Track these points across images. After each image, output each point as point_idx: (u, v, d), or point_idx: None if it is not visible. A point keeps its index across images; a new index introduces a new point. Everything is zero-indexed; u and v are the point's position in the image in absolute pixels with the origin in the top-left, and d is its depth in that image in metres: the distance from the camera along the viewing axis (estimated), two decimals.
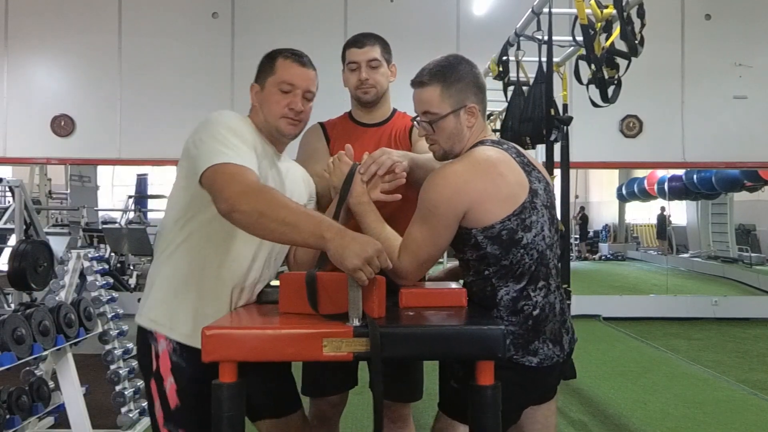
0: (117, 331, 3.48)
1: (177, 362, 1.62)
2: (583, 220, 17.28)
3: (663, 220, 15.52)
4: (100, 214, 11.24)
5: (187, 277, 1.64)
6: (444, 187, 1.57)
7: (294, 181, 1.83)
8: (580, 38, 2.88)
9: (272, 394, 1.80)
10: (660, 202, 14.68)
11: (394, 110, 2.22)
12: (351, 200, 1.73)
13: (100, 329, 3.38)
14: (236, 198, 1.44)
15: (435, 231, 1.59)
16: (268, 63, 1.74)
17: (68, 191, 9.72)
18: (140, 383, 3.38)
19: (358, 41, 2.10)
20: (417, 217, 1.63)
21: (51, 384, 3.27)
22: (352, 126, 2.18)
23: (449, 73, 1.65)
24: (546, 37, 3.19)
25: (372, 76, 2.09)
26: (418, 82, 1.68)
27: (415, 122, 1.75)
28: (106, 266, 3.80)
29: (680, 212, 15.86)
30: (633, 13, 2.72)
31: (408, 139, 2.13)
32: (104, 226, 9.87)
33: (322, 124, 2.21)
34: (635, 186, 14.42)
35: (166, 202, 1.74)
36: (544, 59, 3.24)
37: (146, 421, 3.41)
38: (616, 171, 16.01)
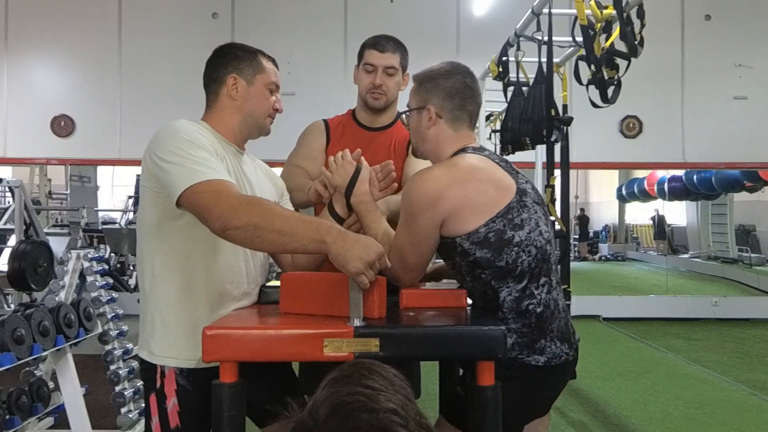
0: (117, 331, 3.47)
1: (183, 385, 1.60)
2: (581, 220, 17.26)
3: (661, 221, 15.53)
4: (100, 214, 11.23)
5: (177, 304, 1.61)
6: (422, 194, 1.55)
7: (261, 180, 1.80)
8: (579, 39, 2.87)
9: (281, 400, 1.79)
10: (655, 204, 14.68)
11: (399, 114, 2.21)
12: (353, 199, 1.74)
13: (99, 329, 3.38)
14: (228, 215, 1.40)
15: (416, 237, 1.58)
16: (252, 58, 1.72)
17: (68, 191, 9.72)
18: (140, 383, 3.38)
19: (380, 44, 2.06)
20: (401, 222, 1.62)
21: (51, 384, 3.26)
22: (354, 128, 2.16)
23: (428, 75, 1.70)
24: (546, 38, 3.19)
25: (386, 82, 2.06)
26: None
27: None
28: (106, 266, 3.79)
29: (680, 213, 15.86)
30: (633, 13, 2.71)
31: (405, 150, 2.10)
32: (104, 226, 9.87)
33: (326, 122, 2.20)
34: (635, 186, 14.42)
35: (137, 225, 1.69)
36: (544, 60, 3.24)
37: None
38: (616, 171, 16.02)
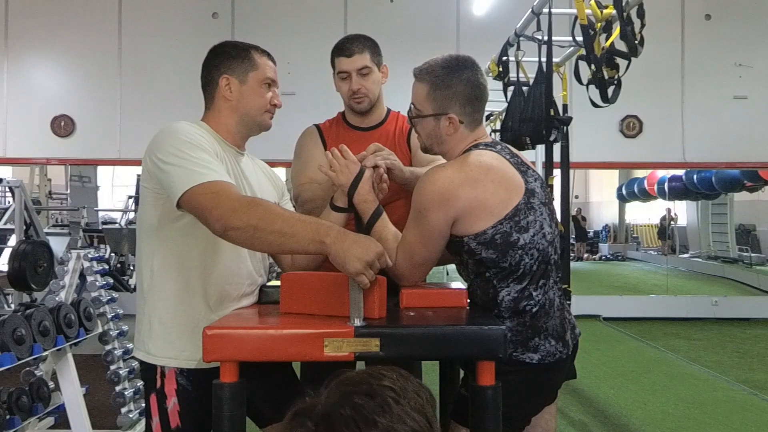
0: (117, 331, 3.48)
1: (183, 384, 1.60)
2: (583, 219, 17.30)
3: (663, 221, 15.52)
4: (100, 214, 11.23)
5: (176, 304, 1.61)
6: (434, 193, 1.55)
7: (261, 181, 1.80)
8: (580, 38, 2.88)
9: (281, 401, 1.79)
10: (665, 203, 14.66)
11: (389, 111, 2.19)
12: (356, 198, 1.73)
13: (100, 329, 3.38)
14: (228, 216, 1.40)
15: (426, 235, 1.58)
16: (245, 56, 1.69)
17: (68, 191, 9.71)
18: (140, 383, 3.38)
19: (346, 49, 2.04)
20: (411, 219, 1.62)
21: (51, 384, 3.27)
22: (347, 130, 2.15)
23: (442, 77, 1.62)
24: (546, 38, 3.19)
25: (364, 84, 2.05)
26: (415, 73, 1.69)
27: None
28: (106, 266, 3.80)
29: (680, 212, 15.86)
30: (633, 13, 2.72)
31: (406, 144, 2.10)
32: (104, 226, 9.87)
33: (318, 127, 2.19)
34: (635, 186, 14.42)
35: (137, 226, 1.69)
36: (544, 59, 3.24)
37: None
38: (616, 171, 16.01)
